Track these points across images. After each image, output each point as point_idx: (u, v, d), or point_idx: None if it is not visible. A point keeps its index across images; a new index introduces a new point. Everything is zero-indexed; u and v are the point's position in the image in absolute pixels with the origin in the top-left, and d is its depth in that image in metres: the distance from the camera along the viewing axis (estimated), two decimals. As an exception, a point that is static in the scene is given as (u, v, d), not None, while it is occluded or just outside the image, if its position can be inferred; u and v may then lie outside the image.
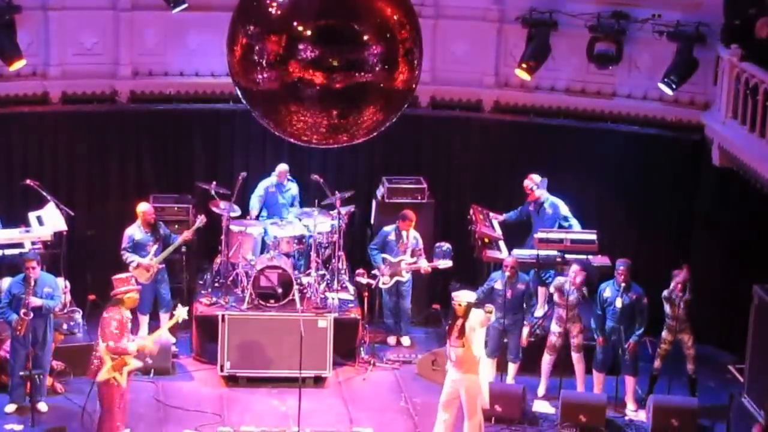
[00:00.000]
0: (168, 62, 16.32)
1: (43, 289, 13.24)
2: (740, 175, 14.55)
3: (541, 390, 14.44)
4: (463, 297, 12.83)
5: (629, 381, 14.25)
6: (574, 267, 14.17)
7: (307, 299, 14.75)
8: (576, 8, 15.74)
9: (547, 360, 14.39)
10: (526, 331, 14.25)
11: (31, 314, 13.03)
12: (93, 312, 15.19)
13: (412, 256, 15.29)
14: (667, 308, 14.03)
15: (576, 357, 14.27)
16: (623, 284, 13.94)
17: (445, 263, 15.38)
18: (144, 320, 14.99)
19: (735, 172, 14.72)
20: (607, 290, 14.07)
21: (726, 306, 15.04)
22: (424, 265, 15.31)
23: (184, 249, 14.98)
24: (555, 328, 14.29)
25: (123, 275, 12.97)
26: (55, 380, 13.91)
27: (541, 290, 15.33)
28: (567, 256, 14.74)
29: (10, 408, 13.40)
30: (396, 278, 15.31)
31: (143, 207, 14.85)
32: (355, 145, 8.45)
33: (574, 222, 15.37)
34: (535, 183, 15.44)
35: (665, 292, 14.02)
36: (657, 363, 14.29)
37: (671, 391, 14.15)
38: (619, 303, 13.93)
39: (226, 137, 16.62)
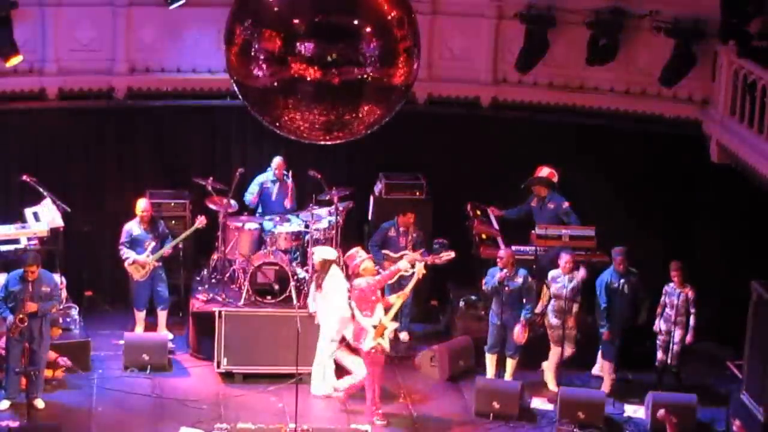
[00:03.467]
0: (165, 58, 16.26)
1: (41, 289, 13.16)
2: (738, 171, 14.54)
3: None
4: (320, 253, 13.82)
5: (606, 366, 14.31)
6: (564, 255, 14.20)
7: (304, 295, 14.69)
8: (574, 4, 15.70)
9: (555, 353, 14.36)
10: (518, 329, 14.17)
11: (27, 321, 12.97)
12: (89, 308, 15.15)
13: (414, 250, 15.26)
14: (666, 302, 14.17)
15: (570, 351, 14.23)
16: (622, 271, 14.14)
17: (448, 254, 15.32)
18: (141, 317, 14.97)
19: (733, 169, 14.70)
20: (611, 281, 14.13)
21: (724, 302, 15.03)
22: (427, 257, 15.27)
23: (180, 245, 14.97)
24: (554, 320, 14.30)
25: (351, 251, 13.81)
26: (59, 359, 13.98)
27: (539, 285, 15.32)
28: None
29: (5, 404, 13.36)
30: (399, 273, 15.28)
31: (139, 204, 14.83)
32: (353, 140, 8.43)
33: (575, 219, 15.38)
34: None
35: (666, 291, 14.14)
36: (660, 355, 14.30)
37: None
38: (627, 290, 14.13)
39: (223, 133, 16.58)
